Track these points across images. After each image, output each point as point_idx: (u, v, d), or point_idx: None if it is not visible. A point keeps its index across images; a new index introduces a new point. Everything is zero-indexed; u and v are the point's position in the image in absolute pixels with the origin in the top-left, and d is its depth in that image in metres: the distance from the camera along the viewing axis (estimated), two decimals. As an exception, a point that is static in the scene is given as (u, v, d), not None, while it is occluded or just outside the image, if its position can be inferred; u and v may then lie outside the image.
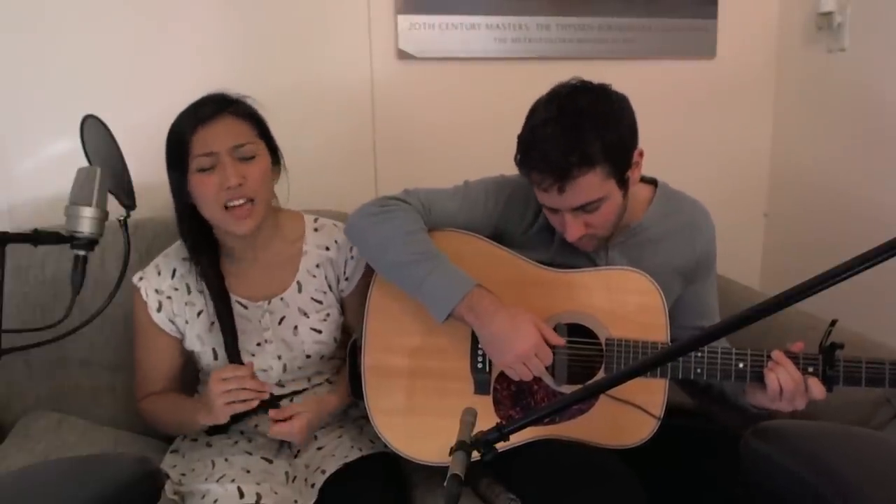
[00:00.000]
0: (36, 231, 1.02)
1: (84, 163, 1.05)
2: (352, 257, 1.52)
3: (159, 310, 1.47)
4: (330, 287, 1.52)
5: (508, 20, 2.00)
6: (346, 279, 1.53)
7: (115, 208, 1.05)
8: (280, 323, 1.48)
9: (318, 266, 1.52)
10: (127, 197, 1.10)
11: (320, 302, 1.51)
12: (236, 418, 1.40)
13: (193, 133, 1.36)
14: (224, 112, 1.38)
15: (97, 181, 1.01)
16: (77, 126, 1.07)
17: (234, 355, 1.42)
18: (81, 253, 1.01)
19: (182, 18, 1.83)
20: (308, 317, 1.49)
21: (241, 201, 1.36)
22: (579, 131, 1.24)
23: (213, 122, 1.37)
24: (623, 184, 1.30)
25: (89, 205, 1.00)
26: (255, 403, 1.31)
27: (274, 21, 1.88)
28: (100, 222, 1.01)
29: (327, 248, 1.53)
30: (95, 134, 1.08)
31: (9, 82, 1.75)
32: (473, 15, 1.97)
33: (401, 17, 1.94)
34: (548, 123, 1.26)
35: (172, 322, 1.48)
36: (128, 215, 1.09)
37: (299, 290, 1.50)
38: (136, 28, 1.80)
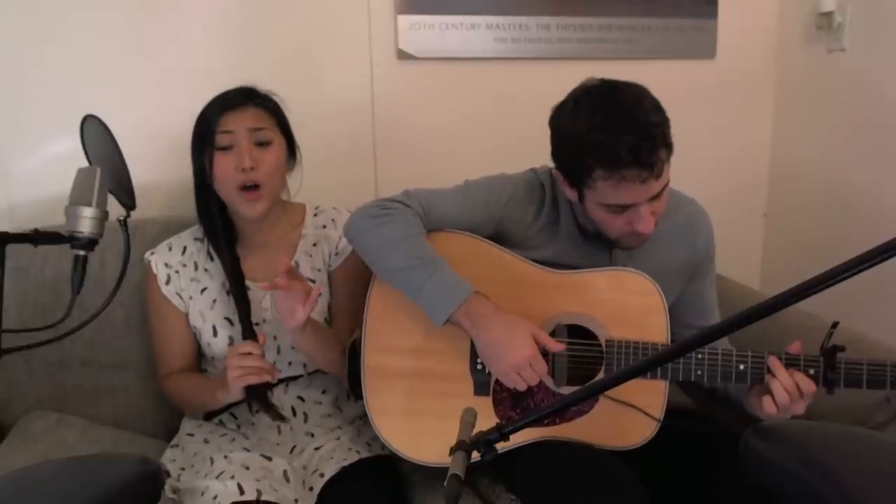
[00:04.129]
0: (36, 231, 1.01)
1: (84, 163, 1.05)
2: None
3: (168, 283, 1.54)
4: (324, 262, 1.57)
5: (508, 20, 2.00)
6: (337, 254, 1.57)
7: (115, 208, 1.05)
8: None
9: (315, 245, 1.57)
10: (127, 197, 1.09)
11: (313, 281, 1.54)
12: (251, 395, 1.42)
13: (218, 117, 1.46)
14: (249, 102, 1.49)
15: (97, 181, 1.00)
16: (77, 126, 1.07)
17: (248, 328, 1.46)
18: (81, 253, 1.01)
19: (182, 18, 1.83)
20: None
21: (252, 183, 1.45)
22: (650, 117, 1.25)
23: (237, 109, 1.47)
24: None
25: (89, 205, 1.00)
26: (266, 377, 1.35)
27: (274, 21, 1.88)
28: (100, 222, 1.01)
29: (324, 227, 1.59)
30: (95, 134, 1.08)
31: (9, 82, 1.75)
32: (473, 15, 1.97)
33: (401, 18, 1.94)
34: (615, 118, 1.25)
35: (179, 296, 1.54)
36: (128, 215, 1.09)
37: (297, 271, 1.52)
38: (137, 28, 1.80)
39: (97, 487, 1.01)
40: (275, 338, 1.51)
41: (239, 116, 1.46)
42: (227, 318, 1.52)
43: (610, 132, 1.23)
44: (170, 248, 1.57)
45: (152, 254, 1.56)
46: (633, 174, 1.23)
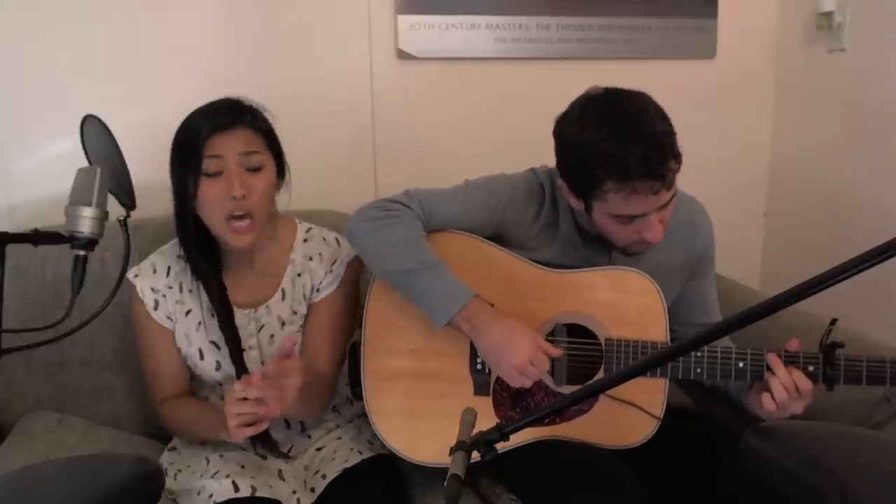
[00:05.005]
0: (36, 231, 1.01)
1: (84, 163, 1.05)
2: (330, 271, 1.50)
3: (156, 308, 1.47)
4: (304, 297, 1.50)
5: (508, 20, 2.00)
6: (318, 290, 1.50)
7: (115, 208, 1.05)
8: (260, 331, 1.48)
9: (299, 275, 1.50)
10: (127, 197, 1.09)
11: (295, 313, 1.49)
12: (255, 439, 1.40)
13: (207, 139, 1.35)
14: (240, 123, 1.38)
15: (97, 181, 1.00)
16: (77, 126, 1.07)
17: (239, 363, 1.42)
18: (81, 253, 1.01)
19: (182, 19, 1.83)
20: (283, 327, 1.49)
21: (242, 213, 1.36)
22: (656, 127, 1.24)
23: (227, 131, 1.37)
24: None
25: (89, 205, 1.00)
26: (265, 426, 1.27)
27: (274, 21, 1.88)
28: (100, 222, 1.01)
29: (311, 259, 1.51)
30: (95, 134, 1.08)
31: (9, 82, 1.75)
32: (473, 15, 1.97)
33: (401, 17, 1.94)
34: (623, 129, 1.23)
35: (169, 318, 1.48)
36: (128, 215, 1.09)
37: (283, 298, 1.49)
38: (136, 28, 1.80)
39: (97, 487, 1.01)
40: (262, 363, 1.46)
41: (228, 139, 1.36)
42: (213, 343, 1.46)
43: (619, 143, 1.22)
44: (154, 270, 1.48)
45: (136, 276, 1.47)
46: (646, 186, 1.23)
